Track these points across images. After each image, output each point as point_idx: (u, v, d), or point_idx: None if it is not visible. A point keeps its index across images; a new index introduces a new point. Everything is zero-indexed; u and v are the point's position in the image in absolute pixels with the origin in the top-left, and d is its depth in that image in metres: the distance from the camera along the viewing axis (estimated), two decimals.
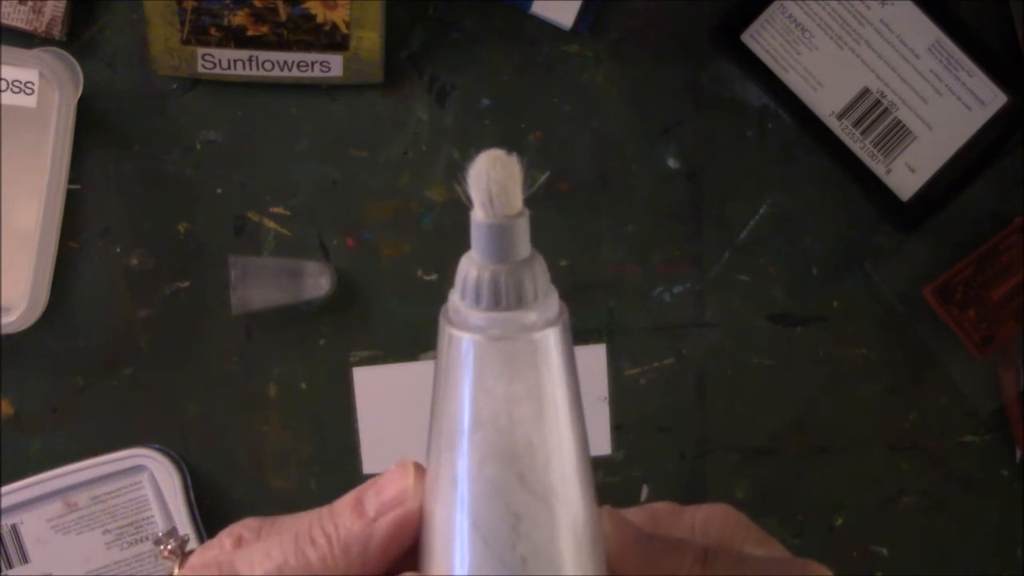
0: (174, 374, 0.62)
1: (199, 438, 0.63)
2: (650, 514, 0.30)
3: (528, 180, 0.24)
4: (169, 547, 0.31)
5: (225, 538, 0.29)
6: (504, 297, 0.24)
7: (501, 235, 0.24)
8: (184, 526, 0.61)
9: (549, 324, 0.25)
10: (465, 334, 0.24)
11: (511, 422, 0.24)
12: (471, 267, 0.24)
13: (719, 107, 0.61)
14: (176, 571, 0.30)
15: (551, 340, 0.25)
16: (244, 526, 0.29)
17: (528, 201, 0.24)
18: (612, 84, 0.61)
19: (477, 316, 0.24)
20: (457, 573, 0.25)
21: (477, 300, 0.24)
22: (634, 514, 0.29)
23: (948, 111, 0.60)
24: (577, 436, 0.25)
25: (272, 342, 0.62)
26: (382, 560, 0.27)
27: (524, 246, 0.24)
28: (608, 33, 0.60)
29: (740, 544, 0.29)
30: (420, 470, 0.27)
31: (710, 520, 0.30)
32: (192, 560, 0.28)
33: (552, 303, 0.25)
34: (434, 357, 0.66)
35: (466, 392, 0.24)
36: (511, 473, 0.24)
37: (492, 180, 0.23)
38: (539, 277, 0.24)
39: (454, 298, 0.25)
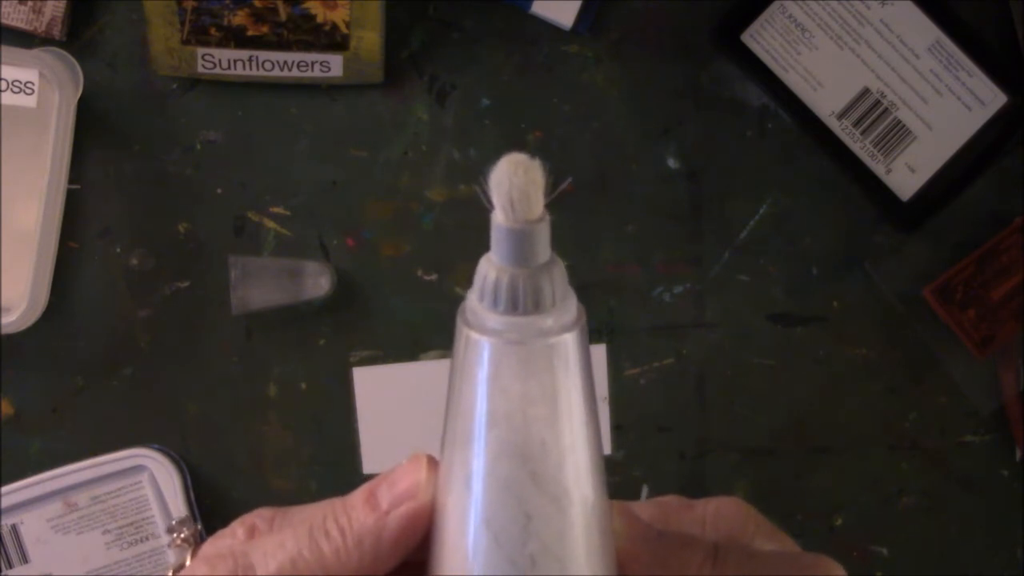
0: (174, 374, 0.62)
1: (199, 438, 0.63)
2: (660, 508, 0.30)
3: (549, 185, 0.24)
4: (181, 536, 0.31)
5: (238, 528, 0.29)
6: (522, 302, 0.24)
7: (521, 240, 0.24)
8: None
9: (566, 329, 0.25)
10: (483, 337, 0.24)
11: (526, 421, 0.24)
12: (490, 269, 0.24)
13: (719, 107, 0.61)
14: (188, 561, 0.30)
15: (568, 344, 0.25)
16: (257, 516, 0.29)
17: (549, 206, 0.24)
18: (612, 84, 0.61)
19: (495, 319, 0.24)
20: (468, 569, 0.25)
21: (495, 303, 0.24)
22: (644, 508, 0.30)
23: (948, 111, 0.60)
24: (591, 438, 0.25)
25: (272, 342, 0.62)
26: (394, 552, 0.27)
27: (544, 251, 0.24)
28: (608, 33, 0.60)
29: (750, 538, 0.29)
30: (433, 463, 0.27)
31: (720, 514, 0.30)
32: (204, 549, 0.28)
33: (570, 307, 0.25)
34: (434, 357, 0.67)
35: (482, 391, 0.25)
36: (524, 472, 0.25)
37: (514, 186, 0.23)
38: (557, 282, 0.24)
39: (472, 299, 0.25)
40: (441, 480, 0.26)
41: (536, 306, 0.24)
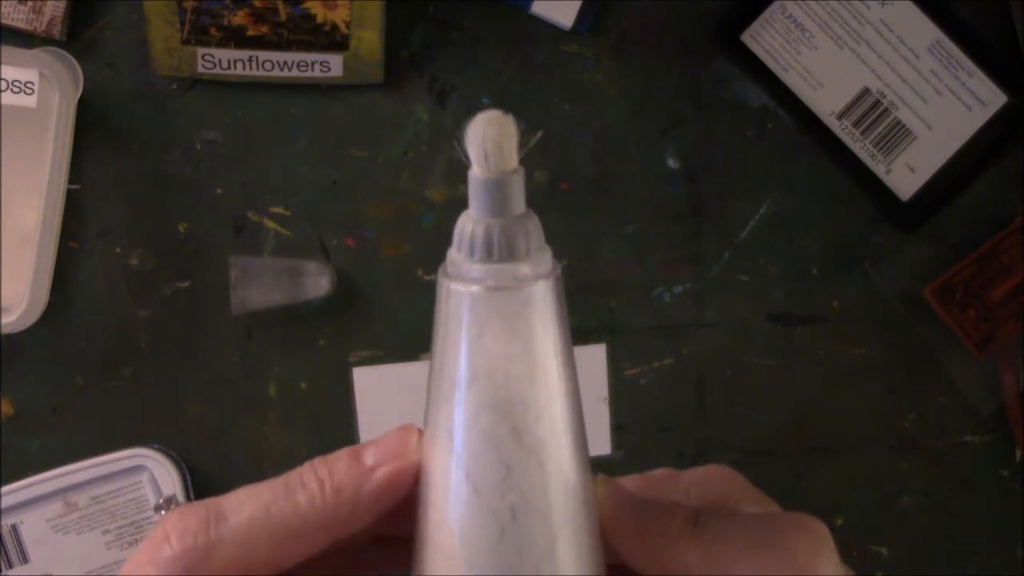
0: (174, 374, 0.62)
1: (199, 438, 0.63)
2: (647, 479, 0.31)
3: (523, 140, 0.25)
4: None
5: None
6: (497, 249, 0.25)
7: (495, 190, 0.25)
8: None
9: (541, 277, 0.26)
10: (460, 285, 0.26)
11: (506, 376, 0.25)
12: (467, 222, 0.25)
13: (719, 107, 0.61)
14: None
15: (543, 292, 0.26)
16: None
17: (523, 160, 0.25)
18: (612, 84, 0.61)
19: (471, 267, 0.25)
20: (450, 521, 0.26)
21: (471, 252, 0.25)
22: (631, 480, 0.30)
23: (948, 111, 0.60)
24: (567, 390, 0.26)
25: (272, 342, 0.62)
26: (372, 509, 0.27)
27: (518, 203, 0.25)
28: (608, 33, 0.60)
29: (735, 503, 0.30)
30: (422, 433, 0.27)
31: (705, 481, 0.30)
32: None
33: (545, 260, 0.26)
34: None
35: (463, 344, 0.26)
36: (503, 424, 0.25)
37: (488, 137, 0.24)
38: (532, 233, 0.25)
39: (451, 253, 0.26)
40: (426, 438, 0.27)
41: (511, 254, 0.25)
